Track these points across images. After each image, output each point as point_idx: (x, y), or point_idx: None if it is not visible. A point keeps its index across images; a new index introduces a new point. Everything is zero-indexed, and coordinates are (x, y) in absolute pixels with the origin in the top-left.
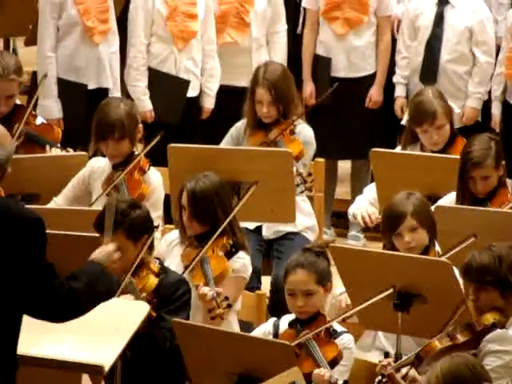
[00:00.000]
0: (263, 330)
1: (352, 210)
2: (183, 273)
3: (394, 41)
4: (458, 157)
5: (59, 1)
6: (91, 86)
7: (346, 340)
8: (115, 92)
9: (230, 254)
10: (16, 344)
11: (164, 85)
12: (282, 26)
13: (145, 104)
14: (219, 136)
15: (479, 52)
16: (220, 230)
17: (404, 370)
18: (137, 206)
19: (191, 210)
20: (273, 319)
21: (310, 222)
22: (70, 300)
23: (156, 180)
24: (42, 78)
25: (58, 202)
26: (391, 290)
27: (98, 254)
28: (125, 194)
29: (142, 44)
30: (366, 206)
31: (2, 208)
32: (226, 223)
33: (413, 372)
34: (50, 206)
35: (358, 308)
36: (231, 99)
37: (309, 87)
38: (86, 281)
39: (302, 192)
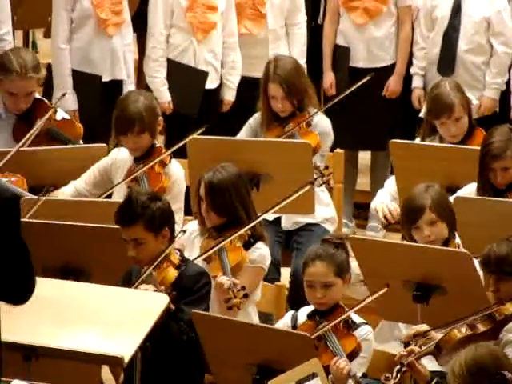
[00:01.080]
0: (281, 325)
1: (374, 204)
2: (196, 258)
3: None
4: (478, 147)
5: None
6: (106, 78)
7: (364, 331)
8: (129, 84)
9: (248, 245)
10: None
11: (182, 76)
12: (302, 18)
13: (163, 95)
14: (237, 127)
15: (496, 42)
16: (249, 226)
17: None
18: (157, 198)
19: (209, 201)
20: (291, 312)
21: (329, 212)
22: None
23: (177, 172)
24: (60, 96)
25: (77, 185)
26: (385, 289)
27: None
28: (145, 187)
29: (162, 35)
30: (387, 201)
31: None
32: (261, 218)
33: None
34: (69, 188)
35: (372, 297)
36: (248, 90)
37: (329, 78)
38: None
39: (320, 185)
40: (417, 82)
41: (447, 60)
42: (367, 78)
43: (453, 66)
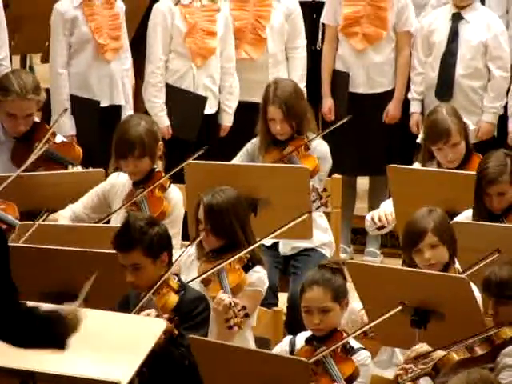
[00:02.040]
0: (279, 350)
1: (369, 215)
2: (194, 279)
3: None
4: (475, 173)
5: (71, 18)
6: (104, 104)
7: (362, 357)
8: (128, 109)
9: (246, 268)
10: None
11: (181, 101)
12: (302, 42)
13: (162, 120)
14: (236, 152)
15: (494, 67)
16: (249, 249)
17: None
18: (155, 223)
19: (207, 224)
20: (289, 337)
21: (326, 237)
22: (25, 324)
23: (176, 197)
24: (61, 112)
25: (74, 208)
26: (400, 307)
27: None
28: (145, 211)
29: (161, 60)
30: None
31: None
32: (256, 245)
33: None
34: (66, 212)
35: (372, 323)
36: (247, 115)
37: (328, 103)
38: (46, 316)
39: (318, 208)
40: (415, 107)
41: (445, 85)
42: (345, 119)
43: (451, 91)
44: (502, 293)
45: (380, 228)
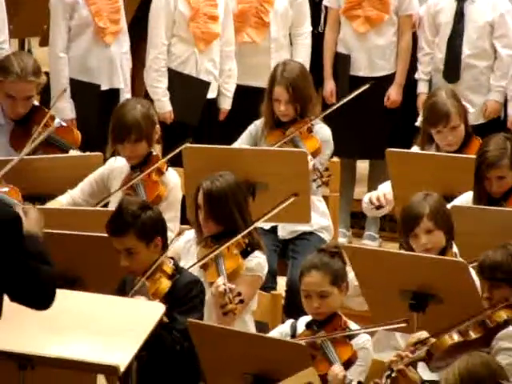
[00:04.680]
0: (280, 331)
1: (366, 197)
2: (192, 266)
3: (414, 40)
4: (474, 156)
5: (71, 1)
6: (104, 87)
7: (362, 340)
8: (126, 92)
9: (245, 253)
10: None
11: (184, 86)
12: (306, 28)
13: (165, 105)
14: (237, 136)
15: (500, 45)
16: (244, 233)
17: None
18: (148, 208)
19: (207, 209)
20: (290, 320)
21: (325, 221)
22: (52, 285)
23: (174, 180)
24: (61, 92)
25: (73, 194)
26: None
27: (29, 225)
28: (142, 195)
29: (163, 45)
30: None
31: None
32: (252, 227)
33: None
34: (64, 197)
35: (373, 329)
36: (249, 99)
37: (329, 85)
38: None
39: (319, 186)
40: (422, 88)
41: (452, 66)
42: (367, 85)
43: (458, 72)
44: (495, 275)
45: (378, 207)
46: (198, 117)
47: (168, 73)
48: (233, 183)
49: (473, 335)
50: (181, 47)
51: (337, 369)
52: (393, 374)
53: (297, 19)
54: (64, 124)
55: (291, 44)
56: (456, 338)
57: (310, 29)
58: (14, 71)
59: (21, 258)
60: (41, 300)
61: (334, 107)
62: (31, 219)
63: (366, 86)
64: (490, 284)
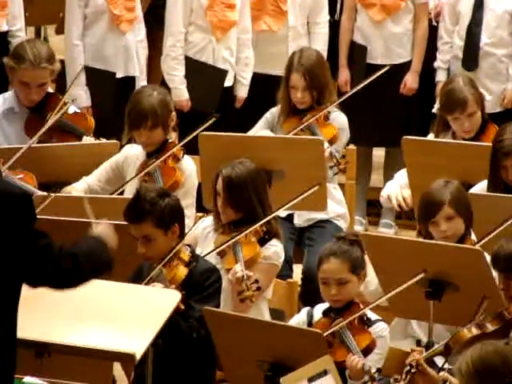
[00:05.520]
0: (297, 321)
1: (385, 192)
2: (211, 252)
3: (430, 27)
4: (490, 144)
5: None
6: (119, 75)
7: (380, 328)
8: (142, 80)
9: (263, 241)
10: (15, 317)
11: (202, 74)
12: (324, 17)
13: (182, 93)
14: (254, 124)
15: None
16: (263, 221)
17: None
18: (166, 195)
19: (226, 196)
20: (306, 308)
21: (341, 209)
22: (71, 264)
23: (190, 167)
24: (80, 70)
25: (88, 181)
26: (422, 275)
27: (101, 230)
28: (159, 181)
29: (181, 33)
30: (399, 189)
31: None
32: (272, 216)
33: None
34: (80, 184)
35: (389, 294)
36: (266, 87)
37: (344, 74)
38: (85, 248)
39: (336, 174)
40: (441, 76)
41: (471, 54)
42: (384, 69)
43: (477, 60)
44: (510, 266)
45: (397, 216)
46: (215, 105)
47: (185, 61)
48: (252, 170)
49: (490, 327)
50: (198, 35)
51: (355, 359)
52: (412, 370)
53: (314, 8)
54: (78, 111)
55: (309, 33)
56: (474, 331)
57: (328, 18)
58: (28, 58)
59: (31, 236)
60: (59, 278)
61: (351, 92)
62: (109, 233)
63: (384, 70)
64: (506, 275)
